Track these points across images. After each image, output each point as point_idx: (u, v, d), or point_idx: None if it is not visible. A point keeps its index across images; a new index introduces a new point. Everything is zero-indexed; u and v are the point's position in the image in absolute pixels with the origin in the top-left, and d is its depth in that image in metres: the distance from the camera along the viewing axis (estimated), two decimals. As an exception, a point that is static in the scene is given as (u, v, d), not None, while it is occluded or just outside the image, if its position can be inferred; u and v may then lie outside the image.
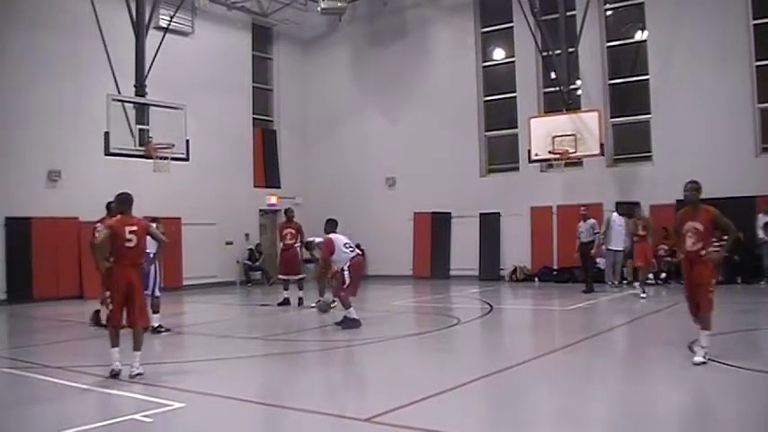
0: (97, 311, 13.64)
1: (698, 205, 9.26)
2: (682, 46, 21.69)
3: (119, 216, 9.52)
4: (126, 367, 9.09)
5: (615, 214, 19.96)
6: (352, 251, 13.76)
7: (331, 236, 13.86)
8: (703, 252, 9.09)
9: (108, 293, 9.39)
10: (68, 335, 14.21)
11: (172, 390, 8.37)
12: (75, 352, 12.00)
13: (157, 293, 13.57)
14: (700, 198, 9.30)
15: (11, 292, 20.33)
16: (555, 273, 23.14)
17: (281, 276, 18.45)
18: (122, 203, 9.58)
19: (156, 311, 13.52)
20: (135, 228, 9.35)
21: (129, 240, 9.28)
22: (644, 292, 17.46)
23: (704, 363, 8.62)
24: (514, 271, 24.35)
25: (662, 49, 22.18)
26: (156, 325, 13.47)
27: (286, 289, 18.11)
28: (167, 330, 13.59)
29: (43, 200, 20.99)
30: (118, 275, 9.27)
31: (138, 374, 9.06)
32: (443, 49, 26.86)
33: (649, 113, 22.63)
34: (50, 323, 16.60)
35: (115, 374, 9.02)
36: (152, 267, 13.32)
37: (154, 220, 14.32)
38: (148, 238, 13.48)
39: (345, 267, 13.54)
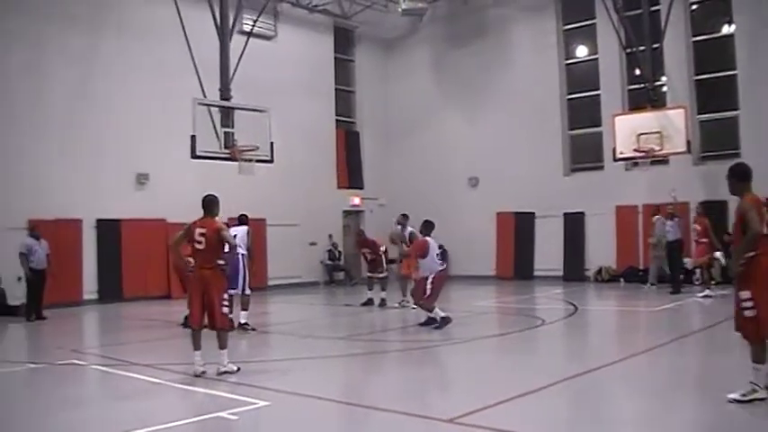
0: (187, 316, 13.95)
1: (740, 196, 7.51)
2: (771, 39, 21.09)
3: (201, 218, 9.69)
4: (212, 366, 9.29)
5: (659, 217, 20.21)
6: (440, 264, 13.75)
7: (428, 239, 13.84)
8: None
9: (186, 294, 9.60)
10: (157, 334, 14.56)
11: (257, 388, 8.51)
12: (163, 350, 12.27)
13: (248, 291, 13.86)
14: (741, 187, 7.56)
15: (102, 292, 21.00)
16: (641, 273, 22.64)
17: (368, 274, 18.61)
18: (203, 205, 9.79)
19: (244, 308, 13.81)
20: (204, 230, 9.46)
21: (199, 242, 9.44)
22: (703, 293, 17.63)
23: (740, 401, 7.03)
24: (599, 271, 23.99)
25: (750, 42, 21.54)
26: (243, 321, 13.73)
27: (370, 289, 18.24)
28: (253, 329, 13.80)
29: (132, 202, 21.58)
30: (194, 276, 9.52)
31: (227, 372, 9.25)
32: (524, 48, 26.62)
33: (737, 109, 22.02)
34: (139, 322, 17.01)
35: (198, 377, 9.22)
36: (240, 266, 13.60)
37: (243, 221, 14.53)
38: (237, 238, 13.86)
39: (430, 279, 13.51)
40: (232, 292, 13.51)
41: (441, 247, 14.35)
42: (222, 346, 9.41)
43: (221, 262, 9.56)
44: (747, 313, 7.14)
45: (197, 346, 9.39)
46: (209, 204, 9.74)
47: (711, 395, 7.60)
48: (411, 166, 29.24)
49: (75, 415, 7.88)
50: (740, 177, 7.58)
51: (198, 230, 9.48)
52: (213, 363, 9.34)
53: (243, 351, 11.84)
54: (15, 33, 19.77)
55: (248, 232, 14.14)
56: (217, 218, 9.76)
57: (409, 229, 16.73)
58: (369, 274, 18.51)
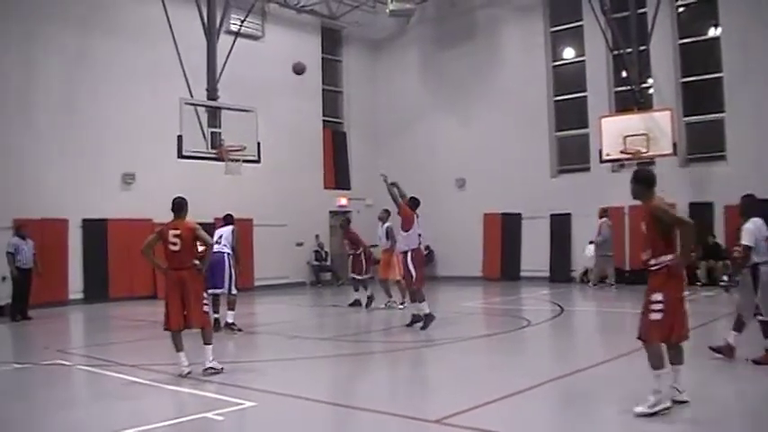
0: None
1: (646, 201, 7.43)
2: (757, 42, 21.07)
3: (173, 221, 9.69)
4: (198, 366, 9.30)
5: (605, 219, 21.34)
6: (418, 243, 13.82)
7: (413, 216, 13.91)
8: (652, 262, 7.19)
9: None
10: (142, 334, 14.49)
11: (243, 389, 8.51)
12: (148, 351, 12.23)
13: (234, 291, 13.84)
14: (649, 192, 7.47)
15: (88, 292, 20.96)
16: (627, 274, 22.68)
17: (351, 275, 18.57)
18: (173, 208, 9.80)
19: (231, 308, 13.81)
20: (179, 231, 9.49)
21: (174, 244, 9.46)
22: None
23: (649, 414, 6.90)
24: (585, 272, 24.04)
25: (736, 44, 21.60)
26: (230, 321, 13.72)
27: (356, 290, 18.21)
28: (239, 330, 13.78)
29: (118, 202, 21.52)
30: (171, 279, 9.51)
31: (211, 369, 9.27)
32: (512, 50, 26.66)
33: (723, 111, 22.11)
34: (125, 322, 16.97)
35: (184, 377, 9.23)
36: (227, 266, 13.60)
37: (228, 220, 14.52)
38: (223, 237, 13.84)
39: (409, 256, 13.56)
40: (218, 291, 13.57)
41: (427, 247, 14.36)
42: (207, 341, 9.44)
43: (197, 262, 9.61)
44: (654, 316, 7.08)
45: (179, 348, 9.43)
46: (179, 207, 9.78)
47: (696, 395, 7.62)
48: (398, 167, 28.94)
49: (61, 416, 7.86)
50: (648, 183, 7.54)
51: (172, 232, 9.50)
52: (199, 363, 9.32)
53: (229, 351, 11.83)
54: (11, 33, 19.82)
55: (233, 232, 14.12)
56: (187, 218, 9.76)
57: (388, 224, 16.88)
58: (352, 275, 18.46)
